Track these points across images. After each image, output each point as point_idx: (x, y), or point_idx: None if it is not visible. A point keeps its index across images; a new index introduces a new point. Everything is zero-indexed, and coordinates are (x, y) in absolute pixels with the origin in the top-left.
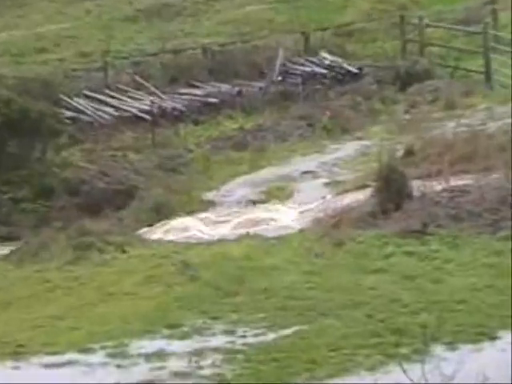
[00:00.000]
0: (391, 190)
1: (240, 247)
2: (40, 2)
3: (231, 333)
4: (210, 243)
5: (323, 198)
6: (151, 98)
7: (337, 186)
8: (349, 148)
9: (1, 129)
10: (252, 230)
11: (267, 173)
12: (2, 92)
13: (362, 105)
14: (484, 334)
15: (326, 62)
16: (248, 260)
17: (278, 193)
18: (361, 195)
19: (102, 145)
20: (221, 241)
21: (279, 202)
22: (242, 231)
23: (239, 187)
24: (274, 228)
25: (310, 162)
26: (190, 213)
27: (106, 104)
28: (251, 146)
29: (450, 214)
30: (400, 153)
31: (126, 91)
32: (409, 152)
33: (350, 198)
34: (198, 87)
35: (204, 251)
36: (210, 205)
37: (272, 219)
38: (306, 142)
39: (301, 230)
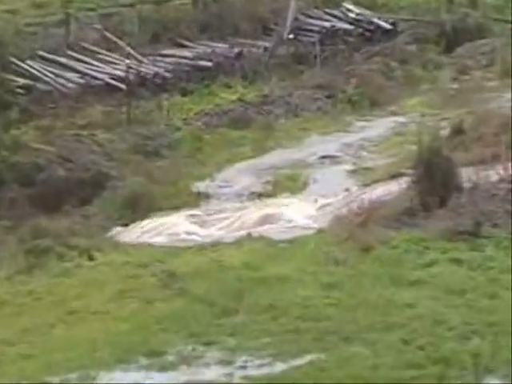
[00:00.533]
0: (434, 179)
1: (240, 253)
2: None
3: (228, 363)
4: (201, 248)
5: (347, 190)
6: (126, 61)
7: (364, 175)
8: (380, 126)
9: None
10: (256, 231)
11: (275, 157)
12: None
13: (397, 70)
14: None
15: (351, 16)
16: (250, 269)
17: (289, 183)
18: (395, 186)
19: (64, 121)
20: (216, 244)
21: (291, 194)
22: (243, 232)
23: (240, 175)
24: (284, 228)
25: (329, 144)
26: (177, 208)
27: (69, 69)
28: (255, 123)
29: (509, 210)
30: (446, 132)
31: (94, 52)
32: (457, 131)
33: (380, 190)
34: (186, 47)
35: (194, 258)
36: (202, 198)
37: (281, 217)
38: (324, 117)
39: (318, 231)
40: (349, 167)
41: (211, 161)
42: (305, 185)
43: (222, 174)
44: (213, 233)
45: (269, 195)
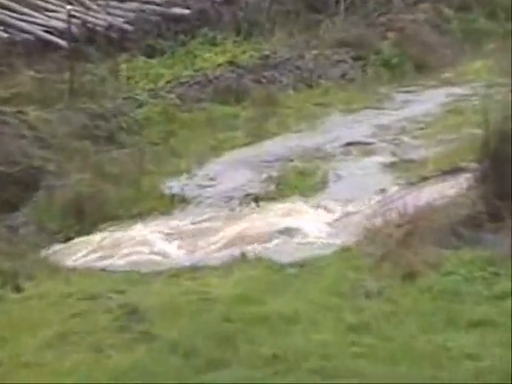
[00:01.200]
0: (505, 176)
1: (231, 281)
2: None
3: None
4: (176, 273)
5: (382, 191)
6: (68, 7)
7: (407, 170)
8: (429, 100)
9: None
10: (253, 250)
11: (280, 144)
12: None
13: (454, 21)
14: None
15: None
16: (245, 304)
17: (299, 181)
18: (450, 187)
19: None
20: (196, 269)
21: (302, 197)
22: (235, 251)
23: (230, 171)
24: (293, 245)
25: (357, 126)
26: (141, 217)
27: None
28: (252, 96)
29: None
30: None
31: None
32: None
33: (430, 192)
34: None
35: (165, 288)
36: (176, 203)
37: (289, 230)
38: (350, 88)
39: (341, 250)
40: (385, 159)
41: (189, 149)
42: (323, 184)
43: (205, 168)
44: (192, 252)
45: (271, 198)
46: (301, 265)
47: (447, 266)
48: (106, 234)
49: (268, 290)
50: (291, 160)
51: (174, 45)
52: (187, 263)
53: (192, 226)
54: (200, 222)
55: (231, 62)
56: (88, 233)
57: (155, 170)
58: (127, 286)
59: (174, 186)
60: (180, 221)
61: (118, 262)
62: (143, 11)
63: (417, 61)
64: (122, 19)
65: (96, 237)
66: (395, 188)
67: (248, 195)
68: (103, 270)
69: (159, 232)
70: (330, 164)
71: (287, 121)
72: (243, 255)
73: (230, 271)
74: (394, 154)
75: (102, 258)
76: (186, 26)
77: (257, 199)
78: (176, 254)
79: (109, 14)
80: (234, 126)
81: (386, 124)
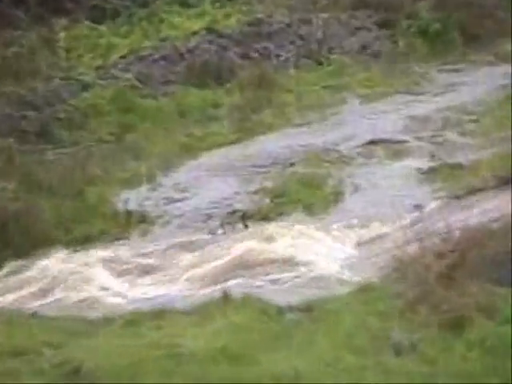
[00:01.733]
0: None
1: (209, 330)
2: None
3: None
4: (133, 320)
5: (417, 207)
6: None
7: (450, 179)
8: (481, 81)
9: None
10: (239, 288)
11: (278, 143)
12: None
13: None
14: None
15: None
16: (228, 362)
17: (303, 194)
18: (508, 202)
19: None
20: (161, 314)
21: (307, 216)
22: (215, 290)
23: (209, 179)
24: (296, 282)
25: (383, 118)
26: (85, 243)
27: None
28: (239, 76)
29: None
30: None
31: None
32: None
33: (481, 210)
34: None
35: (119, 340)
36: (133, 223)
37: (290, 260)
38: (374, 65)
39: (361, 288)
40: (422, 163)
41: (153, 150)
42: (335, 197)
43: (174, 175)
44: (155, 291)
45: (264, 217)
46: (305, 309)
47: (505, 310)
48: (37, 265)
49: (260, 344)
50: (292, 164)
51: (132, 5)
52: (148, 306)
53: (155, 256)
54: (166, 249)
55: (210, 29)
56: (12, 264)
57: (105, 178)
58: (66, 337)
59: (130, 199)
60: (139, 248)
61: (54, 304)
62: None
63: (465, 28)
64: None
65: (24, 269)
66: (435, 204)
67: (233, 212)
68: (33, 314)
69: (110, 263)
70: (346, 170)
71: (287, 110)
72: (226, 295)
73: (207, 317)
74: (433, 156)
75: (31, 298)
76: None
77: (245, 218)
78: (133, 293)
79: None
80: (215, 117)
81: (422, 115)
